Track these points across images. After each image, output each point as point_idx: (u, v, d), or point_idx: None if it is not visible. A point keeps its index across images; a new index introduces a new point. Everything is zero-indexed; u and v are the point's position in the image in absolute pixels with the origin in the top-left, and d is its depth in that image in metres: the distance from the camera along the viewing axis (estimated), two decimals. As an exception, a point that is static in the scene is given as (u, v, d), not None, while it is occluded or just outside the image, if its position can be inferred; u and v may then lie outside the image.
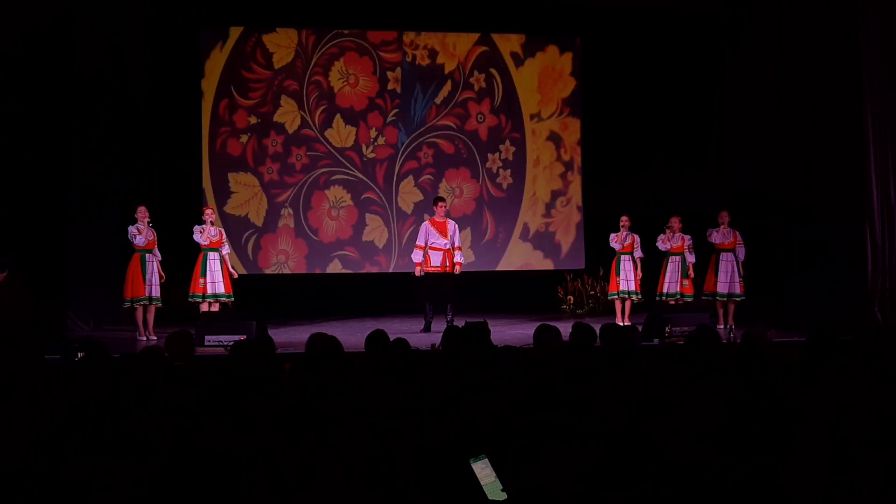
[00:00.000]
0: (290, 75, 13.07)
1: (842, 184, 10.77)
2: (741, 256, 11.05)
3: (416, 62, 13.34)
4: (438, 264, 10.87)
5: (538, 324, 5.82)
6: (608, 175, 13.37)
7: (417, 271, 10.92)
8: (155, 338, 9.95)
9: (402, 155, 13.29)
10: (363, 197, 13.21)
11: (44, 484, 2.47)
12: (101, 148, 11.40)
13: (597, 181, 13.61)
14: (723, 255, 11.07)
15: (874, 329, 8.68)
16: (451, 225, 11.04)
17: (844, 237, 10.62)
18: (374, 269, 13.17)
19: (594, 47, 13.61)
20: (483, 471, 2.66)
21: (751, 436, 2.92)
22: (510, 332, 10.31)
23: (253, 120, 12.96)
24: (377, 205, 13.25)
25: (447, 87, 13.39)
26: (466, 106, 13.46)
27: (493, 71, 13.48)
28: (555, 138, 13.80)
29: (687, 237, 11.15)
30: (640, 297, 11.25)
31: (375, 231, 13.24)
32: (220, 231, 10.67)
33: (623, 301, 11.16)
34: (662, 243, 11.09)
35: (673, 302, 10.98)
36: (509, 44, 13.67)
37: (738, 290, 11.01)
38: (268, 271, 12.91)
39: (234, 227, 12.74)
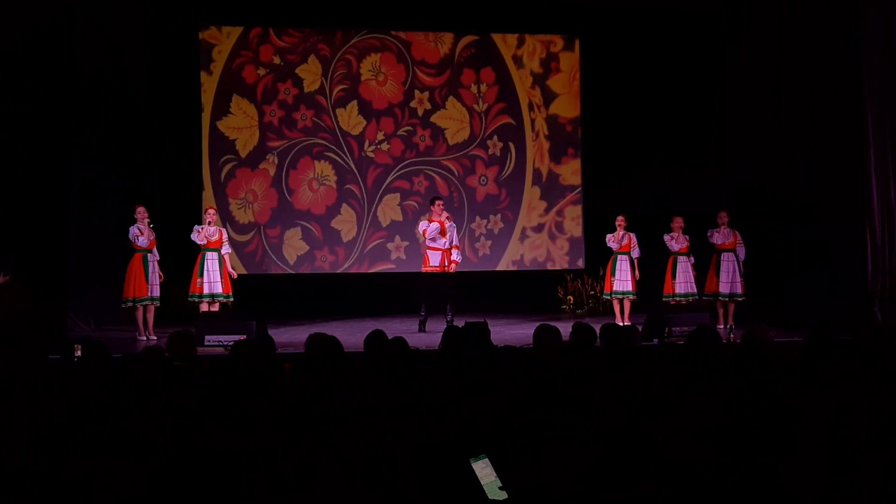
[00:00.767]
0: (326, 41, 13.11)
1: (842, 184, 10.77)
2: (741, 256, 11.05)
3: (441, 99, 13.39)
4: (437, 264, 10.86)
5: (538, 324, 5.82)
6: (608, 175, 13.36)
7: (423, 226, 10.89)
8: (155, 338, 9.95)
9: (398, 170, 13.27)
10: (347, 186, 13.17)
11: (44, 484, 2.47)
12: (101, 148, 11.39)
13: (597, 181, 13.60)
14: (724, 256, 11.07)
15: (874, 329, 8.68)
16: (450, 225, 11.03)
17: (844, 237, 10.61)
18: (328, 259, 13.04)
19: (594, 47, 13.60)
20: (483, 470, 2.66)
21: (751, 436, 2.92)
22: (510, 332, 10.31)
23: (277, 60, 12.97)
24: (357, 201, 13.20)
25: (464, 132, 13.41)
26: (475, 162, 13.45)
27: (510, 144, 13.52)
28: (555, 138, 13.80)
29: (686, 237, 11.15)
30: (635, 297, 11.25)
31: (346, 224, 13.16)
32: (221, 231, 10.67)
33: (620, 301, 11.15)
34: (676, 242, 11.07)
35: (675, 302, 10.97)
36: (509, 45, 13.68)
37: (738, 290, 11.01)
38: (234, 204, 12.82)
39: (217, 146, 12.76)
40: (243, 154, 12.93)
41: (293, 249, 13.01)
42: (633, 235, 11.17)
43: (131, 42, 11.86)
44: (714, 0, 12.55)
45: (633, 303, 11.26)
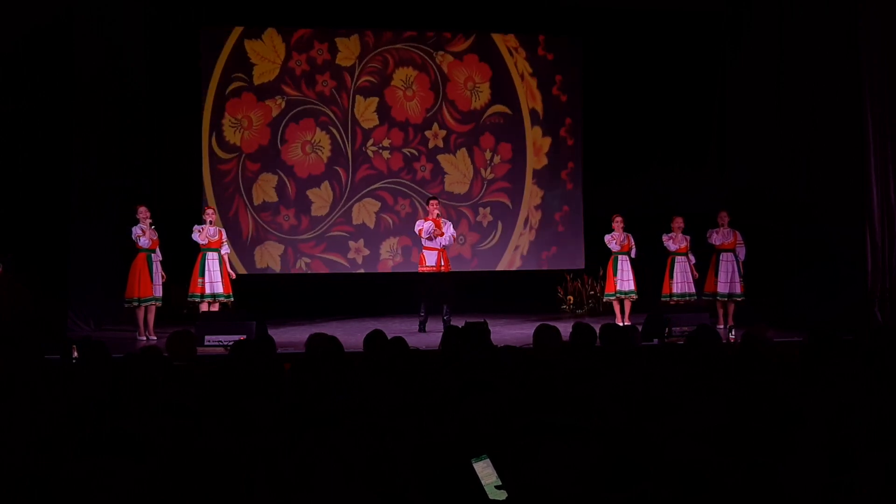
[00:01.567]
0: (374, 33, 13.27)
1: (842, 184, 10.77)
2: (741, 256, 11.04)
3: (455, 146, 13.42)
4: (433, 264, 10.85)
5: (538, 324, 5.82)
6: (608, 175, 13.36)
7: (423, 225, 10.84)
8: (155, 338, 9.96)
9: (388, 181, 13.25)
10: (335, 168, 13.14)
11: (44, 484, 2.47)
12: (101, 148, 11.39)
13: (597, 181, 13.60)
14: (723, 256, 11.07)
15: (874, 329, 8.68)
16: (447, 225, 11.00)
17: (844, 237, 10.61)
18: (290, 221, 12.94)
19: (595, 47, 13.60)
20: (484, 470, 2.66)
21: (751, 436, 2.92)
22: (510, 332, 10.31)
23: (308, 32, 13.09)
24: (339, 185, 13.14)
25: (462, 187, 13.42)
26: (461, 220, 13.34)
27: (499, 223, 13.53)
28: (555, 138, 13.80)
29: (687, 237, 11.14)
30: (636, 296, 11.25)
31: (320, 199, 13.08)
32: (221, 231, 10.67)
33: (621, 301, 11.15)
34: (674, 242, 11.07)
35: (674, 302, 10.97)
36: (509, 45, 13.69)
37: (738, 290, 11.00)
38: (228, 121, 12.82)
39: (236, 62, 12.82)
40: (256, 81, 12.92)
41: (263, 193, 12.93)
42: (630, 236, 11.17)
43: (131, 42, 11.85)
44: (714, 0, 12.55)
45: (633, 303, 11.26)
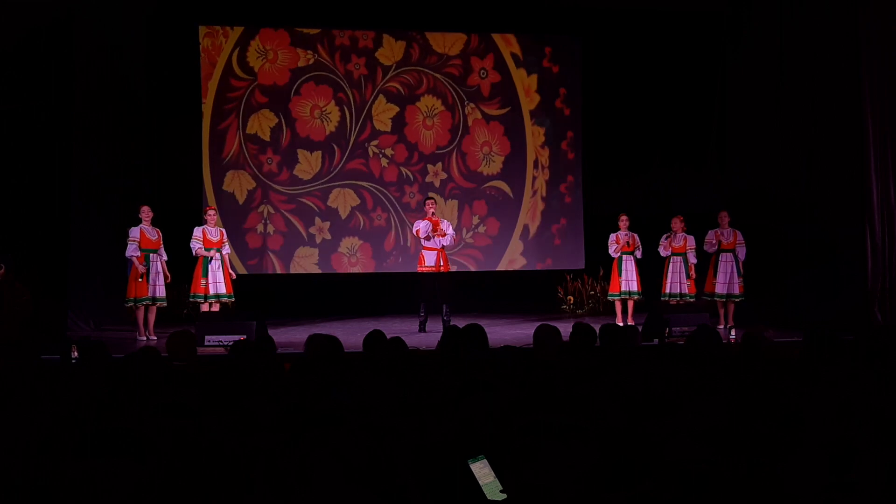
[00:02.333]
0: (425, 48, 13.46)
1: (842, 184, 10.77)
2: (741, 256, 11.03)
3: (448, 195, 13.45)
4: (432, 263, 10.84)
5: (538, 324, 5.82)
6: (608, 175, 13.37)
7: (422, 227, 10.82)
8: (155, 338, 9.95)
9: (376, 187, 13.27)
10: (332, 144, 13.17)
11: (44, 484, 2.47)
12: (102, 148, 11.40)
13: (597, 181, 13.61)
14: (722, 256, 11.05)
15: (874, 329, 8.68)
16: (445, 224, 10.98)
17: (844, 237, 10.61)
18: (273, 163, 12.99)
19: (595, 47, 13.60)
20: (481, 471, 2.66)
21: (751, 436, 2.92)
22: (510, 332, 10.31)
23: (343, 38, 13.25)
24: (329, 163, 13.16)
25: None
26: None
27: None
28: (555, 138, 13.81)
29: (690, 237, 11.12)
30: (640, 297, 11.25)
31: (307, 164, 13.11)
32: (221, 231, 10.66)
33: (624, 301, 11.14)
34: (664, 250, 11.10)
35: (675, 302, 10.96)
36: (509, 45, 13.69)
37: (736, 290, 10.97)
38: (253, 47, 12.95)
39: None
40: (289, 22, 13.07)
41: (258, 126, 12.99)
42: (636, 236, 11.16)
43: (131, 42, 11.86)
44: (714, 0, 12.56)
45: (635, 303, 11.26)
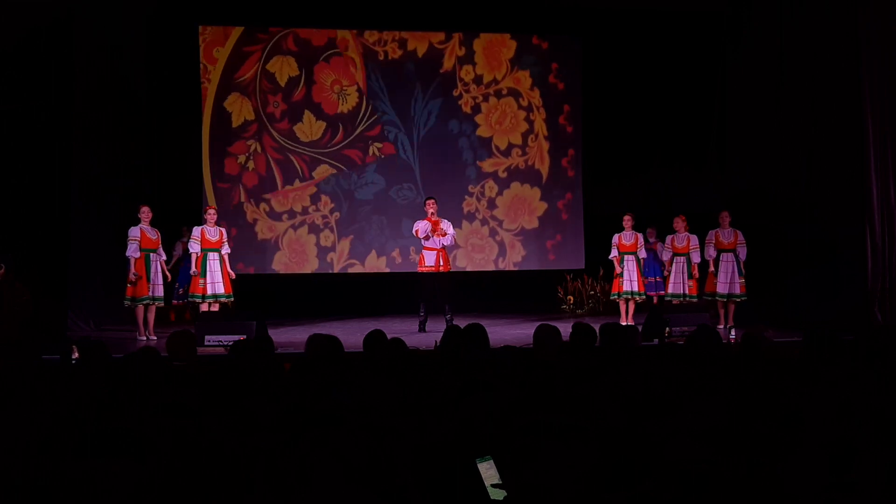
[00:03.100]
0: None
1: (842, 184, 10.77)
2: (742, 256, 11.02)
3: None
4: (432, 264, 10.84)
5: (538, 324, 5.82)
6: (608, 175, 13.38)
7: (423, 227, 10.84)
8: (155, 338, 9.95)
9: (357, 179, 13.32)
10: (339, 124, 13.27)
11: (44, 484, 2.47)
12: (102, 148, 11.40)
13: (597, 181, 13.61)
14: (723, 256, 11.05)
15: (874, 329, 8.68)
16: (446, 224, 10.98)
17: (844, 237, 10.61)
18: (274, 108, 13.11)
19: (595, 47, 13.61)
20: (488, 472, 2.65)
21: (751, 436, 2.92)
22: (510, 332, 10.31)
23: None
24: (328, 139, 13.28)
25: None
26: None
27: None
28: (555, 138, 13.81)
29: (693, 237, 11.12)
30: (643, 297, 11.24)
31: (309, 127, 13.23)
32: (221, 231, 10.65)
33: (626, 301, 11.13)
34: (664, 254, 11.12)
35: (677, 302, 10.96)
36: (509, 45, 13.70)
37: (737, 290, 10.97)
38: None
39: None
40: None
41: (279, 69, 13.16)
42: (640, 236, 11.16)
43: (131, 42, 11.86)
44: (714, 0, 12.56)
45: (637, 303, 11.26)
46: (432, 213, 10.81)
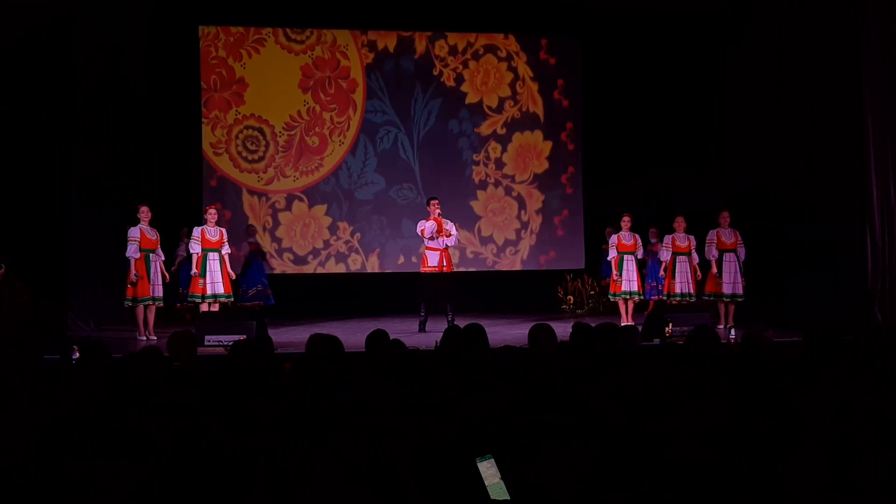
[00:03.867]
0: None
1: (842, 184, 10.77)
2: (742, 257, 11.03)
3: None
4: (435, 264, 10.84)
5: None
6: (608, 175, 13.38)
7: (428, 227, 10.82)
8: (155, 338, 9.95)
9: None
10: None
11: (44, 484, 2.47)
12: (101, 148, 11.40)
13: (597, 181, 13.61)
14: (725, 256, 11.04)
15: (874, 329, 8.68)
16: (449, 225, 10.99)
17: (844, 237, 10.61)
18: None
19: (595, 47, 13.61)
20: (488, 471, 2.65)
21: (751, 436, 2.92)
22: (510, 332, 10.30)
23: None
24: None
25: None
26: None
27: None
28: (555, 138, 13.81)
29: (692, 237, 11.13)
30: (641, 297, 11.24)
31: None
32: (222, 231, 10.65)
33: (626, 301, 11.12)
34: (663, 256, 11.12)
35: (677, 302, 10.96)
36: (510, 44, 13.71)
37: (739, 290, 10.97)
38: None
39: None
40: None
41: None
42: (638, 237, 11.16)
43: (131, 42, 11.86)
44: (714, 0, 12.56)
45: (635, 303, 11.26)
46: (438, 214, 10.83)
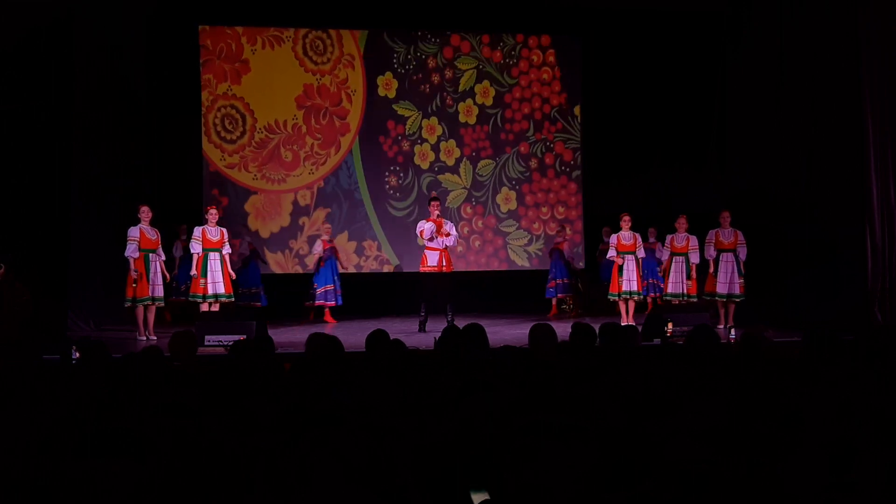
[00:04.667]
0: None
1: (842, 184, 10.77)
2: (742, 256, 11.02)
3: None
4: (435, 264, 10.84)
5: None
6: (608, 175, 13.38)
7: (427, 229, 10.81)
8: (155, 338, 9.95)
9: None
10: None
11: (44, 484, 2.47)
12: (101, 148, 11.40)
13: (597, 181, 13.62)
14: (723, 256, 11.04)
15: (874, 329, 8.68)
16: (449, 225, 10.99)
17: (844, 237, 10.61)
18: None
19: (595, 47, 13.62)
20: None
21: (751, 436, 2.92)
22: (509, 332, 10.31)
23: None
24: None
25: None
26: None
27: None
28: (555, 138, 13.81)
29: (692, 237, 11.12)
30: (641, 296, 11.23)
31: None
32: (222, 231, 10.65)
33: (626, 301, 11.12)
34: (663, 255, 11.13)
35: (677, 302, 10.96)
36: (510, 44, 13.71)
37: (737, 290, 10.97)
38: None
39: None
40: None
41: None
42: (638, 236, 11.16)
43: (131, 42, 11.86)
44: (714, 0, 12.56)
45: (636, 303, 11.25)
46: (437, 215, 10.83)
